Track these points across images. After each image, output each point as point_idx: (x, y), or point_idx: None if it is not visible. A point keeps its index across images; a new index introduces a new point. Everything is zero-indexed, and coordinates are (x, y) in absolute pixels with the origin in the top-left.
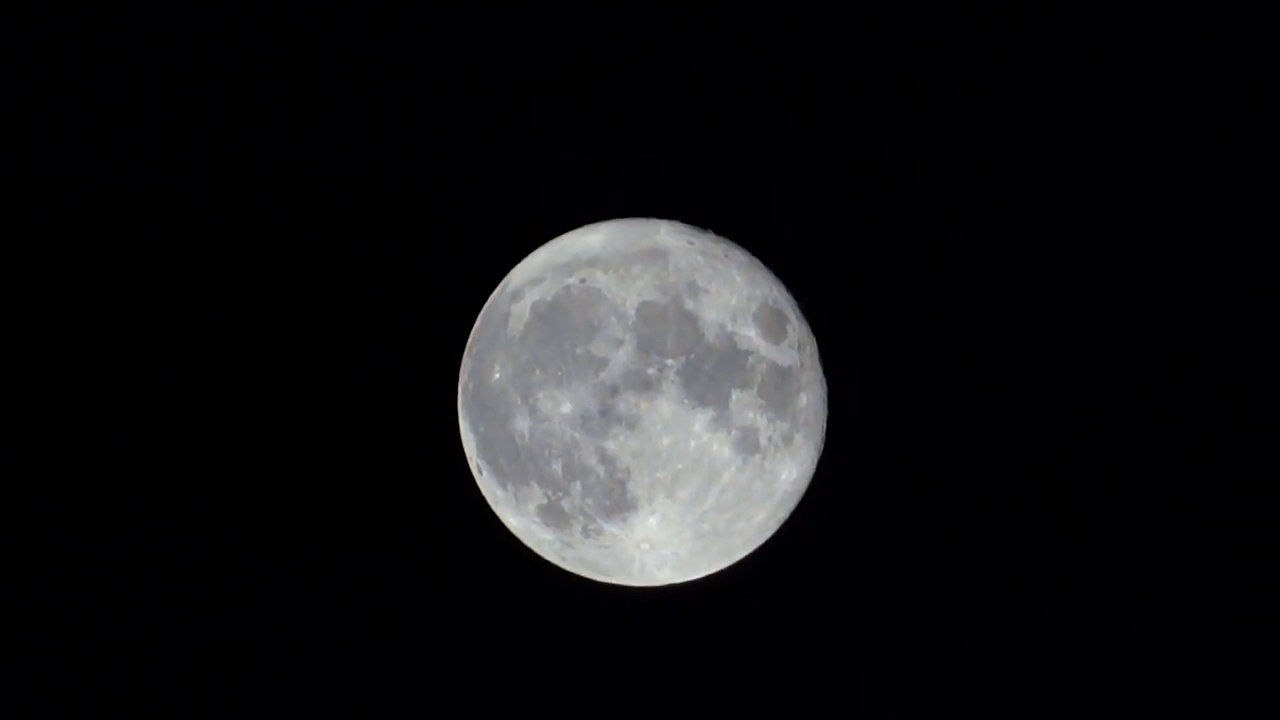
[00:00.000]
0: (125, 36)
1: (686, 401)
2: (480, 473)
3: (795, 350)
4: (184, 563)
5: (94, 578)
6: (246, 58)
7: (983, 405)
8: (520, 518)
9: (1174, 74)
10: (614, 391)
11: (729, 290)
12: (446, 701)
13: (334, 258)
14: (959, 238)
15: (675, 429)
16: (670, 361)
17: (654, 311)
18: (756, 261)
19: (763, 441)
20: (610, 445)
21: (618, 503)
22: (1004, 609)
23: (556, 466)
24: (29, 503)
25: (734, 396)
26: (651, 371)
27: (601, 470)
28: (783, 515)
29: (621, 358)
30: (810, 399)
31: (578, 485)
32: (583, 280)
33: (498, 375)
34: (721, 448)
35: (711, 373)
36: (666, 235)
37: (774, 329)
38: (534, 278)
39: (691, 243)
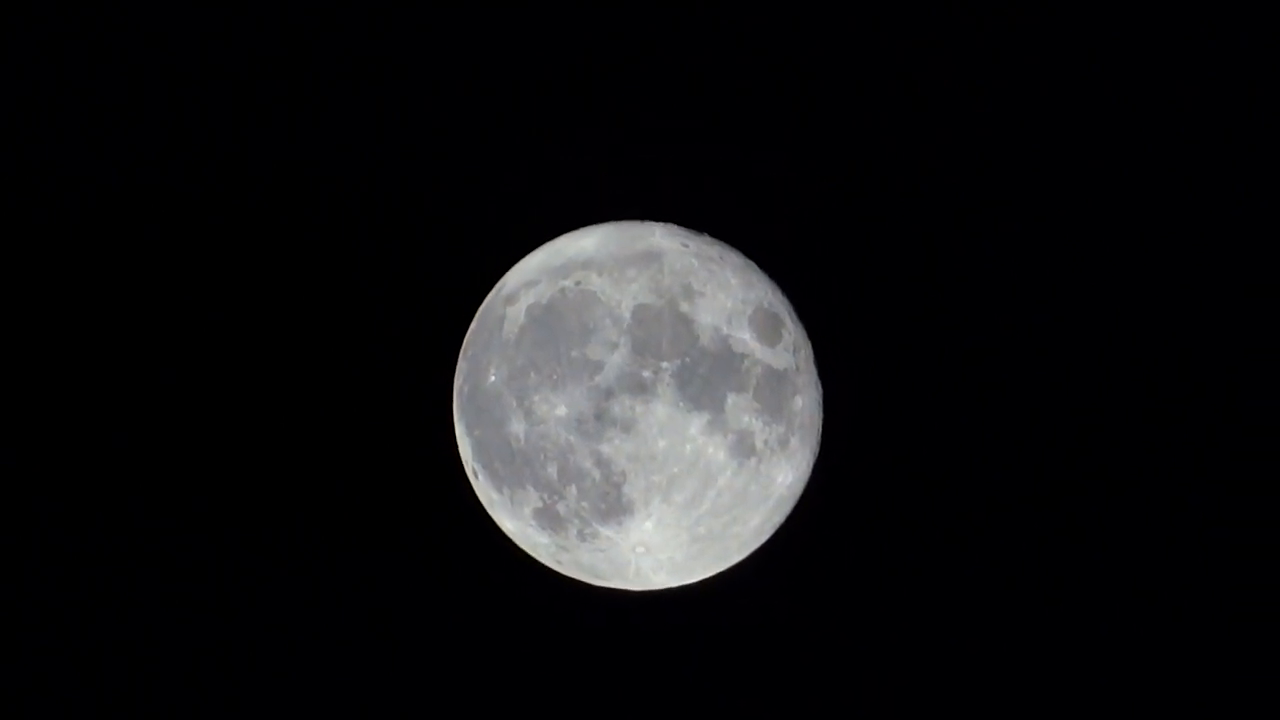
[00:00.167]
0: (125, 36)
1: (682, 405)
2: (476, 476)
3: (790, 353)
4: (184, 563)
5: (94, 578)
6: (246, 58)
7: (979, 408)
8: (516, 521)
9: (1174, 74)
10: (609, 395)
11: (724, 293)
12: (443, 704)
13: (330, 260)
14: (955, 240)
15: (671, 432)
16: (665, 365)
17: (649, 314)
18: (751, 264)
19: (758, 445)
20: (606, 449)
21: (613, 506)
22: (1001, 612)
23: (552, 470)
24: (29, 503)
25: (729, 400)
26: (647, 374)
27: (597, 473)
28: (778, 519)
29: (617, 361)
30: (805, 402)
31: (573, 489)
32: (578, 283)
33: (493, 378)
34: (717, 451)
35: (707, 376)
36: (661, 238)
37: (769, 332)
38: (529, 280)
39: (686, 245)
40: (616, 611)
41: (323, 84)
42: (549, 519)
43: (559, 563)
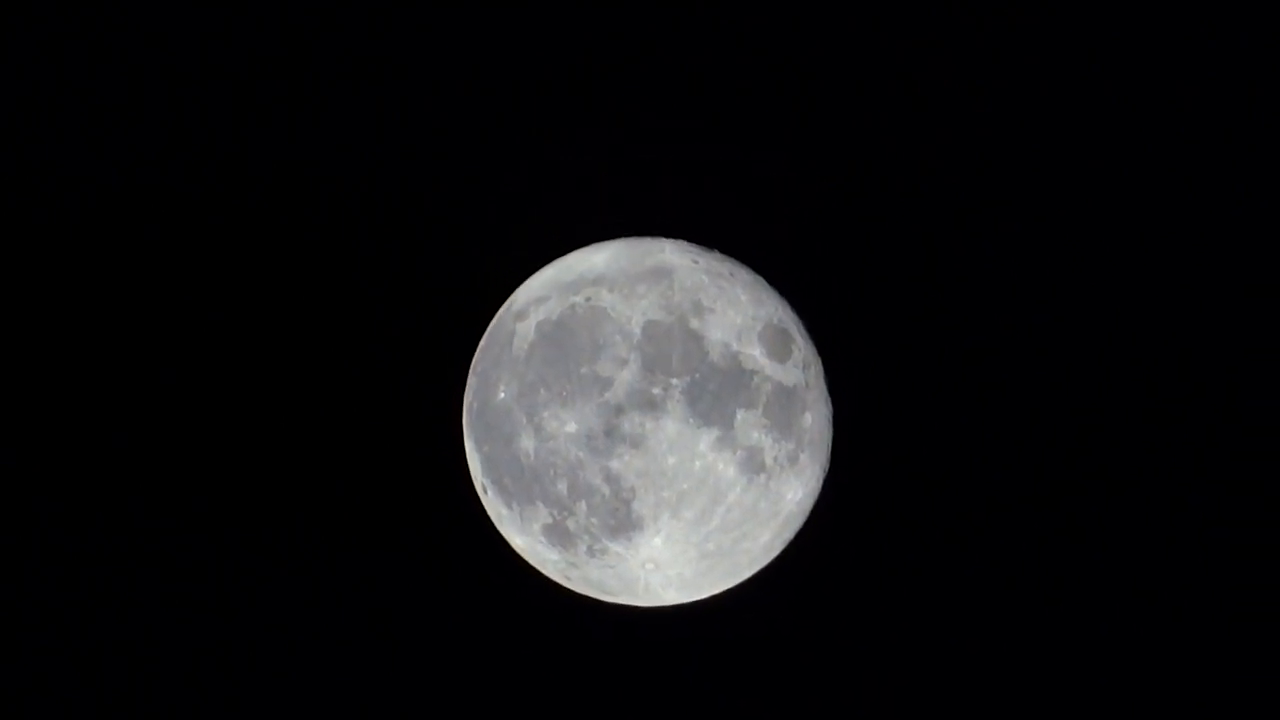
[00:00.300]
0: (125, 36)
1: (692, 421)
2: (485, 492)
3: (800, 370)
4: (185, 569)
5: (94, 578)
6: (246, 61)
7: (989, 425)
8: (525, 537)
9: (1174, 74)
10: (619, 411)
11: (734, 310)
12: (451, 719)
13: (339, 275)
14: (964, 258)
15: (680, 449)
16: (675, 381)
17: (659, 331)
18: (761, 281)
19: (768, 461)
20: (615, 465)
21: (623, 522)
22: (1009, 627)
23: (561, 486)
24: (29, 503)
25: (739, 416)
26: (656, 391)
27: (606, 490)
28: (788, 535)
29: (626, 377)
30: (815, 419)
31: (583, 505)
32: (588, 299)
33: (502, 394)
34: (727, 467)
35: (716, 392)
36: (671, 254)
37: (779, 348)
38: (539, 296)
39: (696, 262)
40: (626, 627)
41: (329, 96)
42: (558, 535)
43: (568, 579)
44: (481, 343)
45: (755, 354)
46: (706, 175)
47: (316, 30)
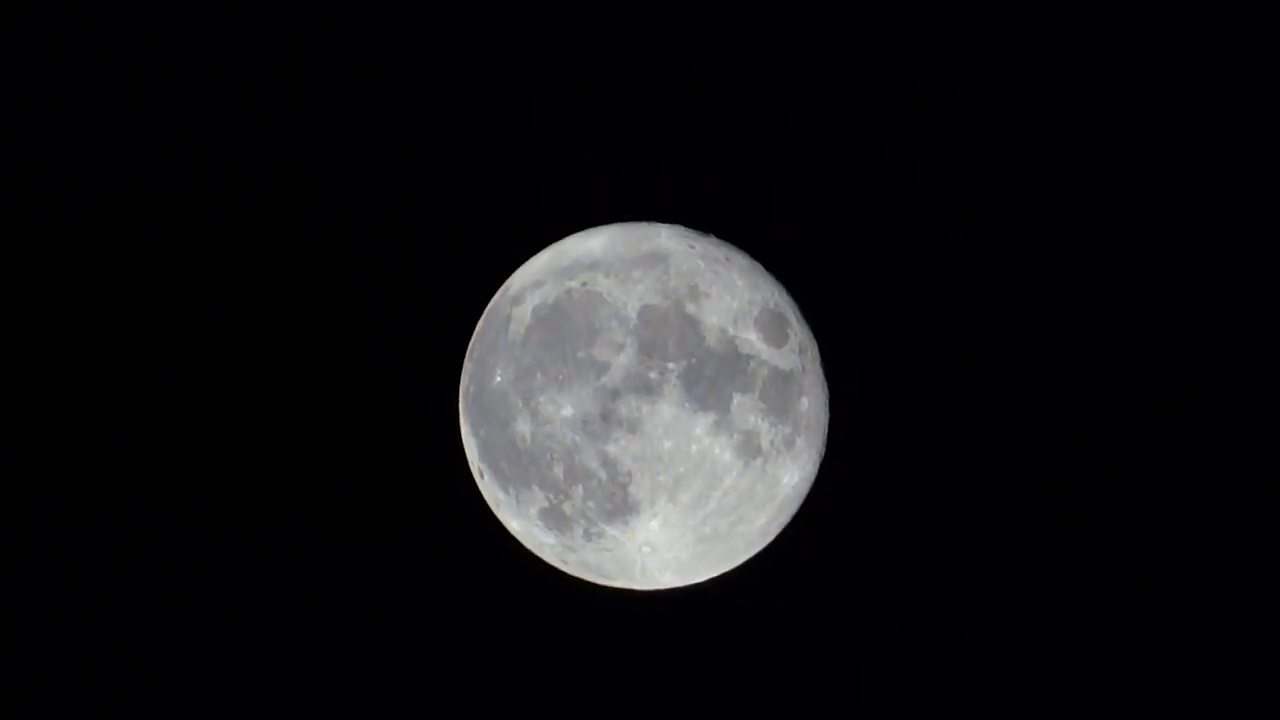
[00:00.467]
0: (125, 36)
1: (688, 405)
2: (481, 476)
3: (796, 354)
4: (184, 563)
5: (94, 578)
6: (246, 58)
7: (985, 408)
8: (522, 521)
9: (1174, 74)
10: (615, 395)
11: (730, 294)
12: (447, 704)
13: (335, 261)
14: (960, 241)
15: (677, 433)
16: (671, 365)
17: (655, 315)
18: (758, 265)
19: (764, 445)
20: (612, 449)
21: (619, 506)
22: (1005, 611)
23: (558, 470)
24: (29, 503)
25: (735, 400)
26: (653, 375)
27: (603, 474)
28: (784, 519)
29: (623, 361)
30: (812, 403)
31: (579, 489)
32: (584, 284)
33: (499, 379)
34: (723, 451)
35: (713, 377)
36: (668, 239)
37: (775, 333)
38: (535, 281)
39: (693, 246)
40: (622, 611)
41: (325, 85)
42: (555, 519)
43: (565, 562)
44: (478, 327)
45: (751, 338)
46: (702, 160)
47: (315, 19)
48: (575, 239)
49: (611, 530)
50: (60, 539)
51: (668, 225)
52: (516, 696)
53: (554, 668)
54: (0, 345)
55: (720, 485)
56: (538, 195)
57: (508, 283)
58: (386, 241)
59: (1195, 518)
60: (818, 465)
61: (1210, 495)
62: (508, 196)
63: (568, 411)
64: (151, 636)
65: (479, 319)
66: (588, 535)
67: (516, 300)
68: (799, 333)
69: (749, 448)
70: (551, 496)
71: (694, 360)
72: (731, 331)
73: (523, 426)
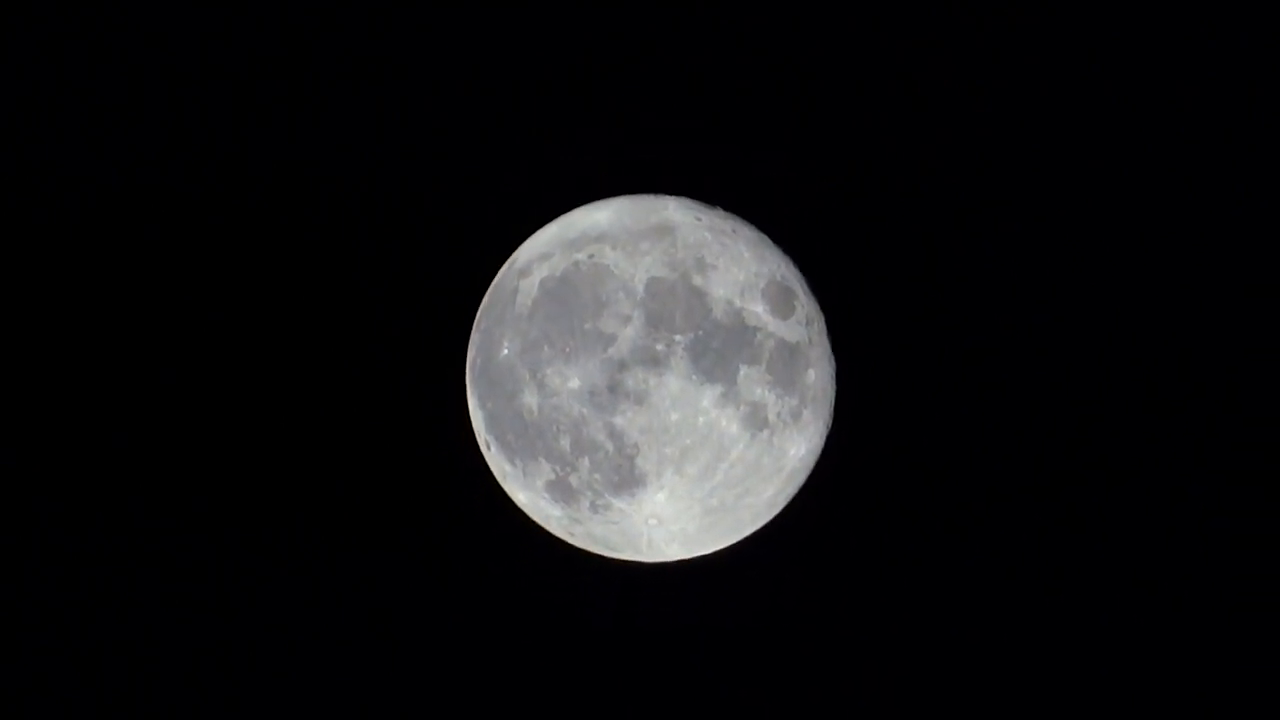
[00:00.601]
0: (125, 36)
1: (695, 377)
2: (488, 448)
3: (803, 326)
4: (194, 538)
5: (94, 576)
6: (246, 57)
7: (991, 381)
8: (528, 493)
9: (1175, 74)
10: (622, 367)
11: (737, 266)
12: (454, 675)
13: (343, 234)
14: (967, 214)
15: (684, 405)
16: (678, 337)
17: (662, 287)
18: (764, 238)
19: (771, 417)
20: (619, 421)
21: (626, 478)
22: (1009, 584)
23: (565, 442)
24: (29, 503)
25: (742, 372)
26: (660, 347)
27: (610, 446)
28: (791, 490)
29: (630, 333)
30: (818, 375)
31: (586, 461)
32: (591, 256)
33: (506, 351)
34: (730, 423)
35: (720, 349)
36: (675, 211)
37: (782, 305)
38: (542, 254)
39: (699, 219)
40: (629, 583)
41: (341, 57)
42: (562, 491)
43: (571, 535)
44: (485, 300)
45: (758, 310)
46: (710, 133)
47: (316, 7)
48: (582, 211)
49: (618, 502)
50: (60, 539)
51: (675, 197)
52: (523, 668)
53: (560, 639)
54: (0, 345)
55: (727, 457)
56: (545, 168)
57: (515, 255)
58: (394, 215)
59: (1196, 517)
60: (824, 437)
61: (1210, 495)
62: (515, 169)
63: (575, 383)
64: (152, 636)
65: (486, 291)
66: (594, 507)
67: (524, 272)
68: (806, 305)
69: (756, 420)
70: (558, 468)
71: (701, 332)
72: (738, 303)
73: (530, 398)
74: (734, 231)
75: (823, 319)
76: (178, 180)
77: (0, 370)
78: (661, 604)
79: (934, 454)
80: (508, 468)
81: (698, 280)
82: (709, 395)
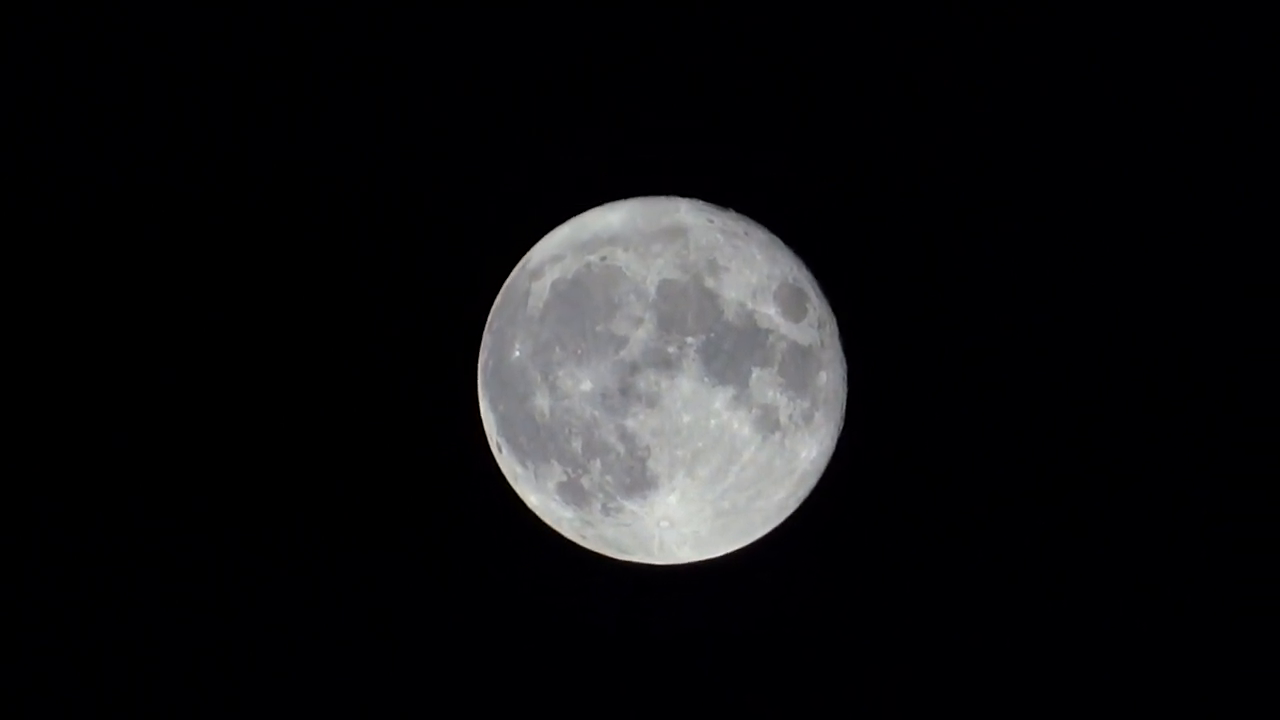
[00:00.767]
0: (125, 36)
1: (707, 379)
2: (500, 450)
3: (815, 329)
4: (196, 547)
5: (94, 576)
6: (248, 56)
7: (1003, 383)
8: (540, 495)
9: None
10: (634, 369)
11: (749, 268)
12: (466, 677)
13: (355, 236)
14: (978, 217)
15: (695, 407)
16: (690, 339)
17: (674, 289)
18: (776, 240)
19: (783, 420)
20: (630, 423)
21: (638, 481)
22: (1021, 587)
23: (576, 444)
24: (29, 503)
25: (754, 375)
26: (672, 349)
27: (621, 448)
28: (803, 493)
29: (641, 336)
30: (830, 377)
31: (598, 463)
32: (603, 258)
33: (517, 353)
34: (742, 426)
35: (732, 351)
36: (687, 213)
37: (794, 307)
38: (554, 255)
39: (712, 221)
40: (640, 586)
41: (358, 54)
42: (573, 493)
43: (583, 537)
44: (497, 301)
45: (770, 313)
46: (722, 134)
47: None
48: (594, 213)
49: (630, 505)
50: (61, 539)
51: (687, 199)
52: (533, 670)
53: (572, 642)
54: (0, 345)
55: (739, 460)
56: (557, 169)
57: (527, 257)
58: (406, 217)
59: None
60: (836, 440)
61: (1213, 497)
62: (527, 171)
63: (586, 386)
64: (153, 636)
65: (498, 293)
66: (606, 510)
67: (535, 274)
68: (818, 307)
69: (767, 422)
70: (570, 471)
71: (713, 334)
72: (750, 306)
73: (541, 401)
74: (746, 234)
75: (835, 321)
76: (185, 180)
77: (0, 370)
78: (673, 606)
79: (946, 456)
80: (519, 470)
81: (710, 282)
82: (721, 397)
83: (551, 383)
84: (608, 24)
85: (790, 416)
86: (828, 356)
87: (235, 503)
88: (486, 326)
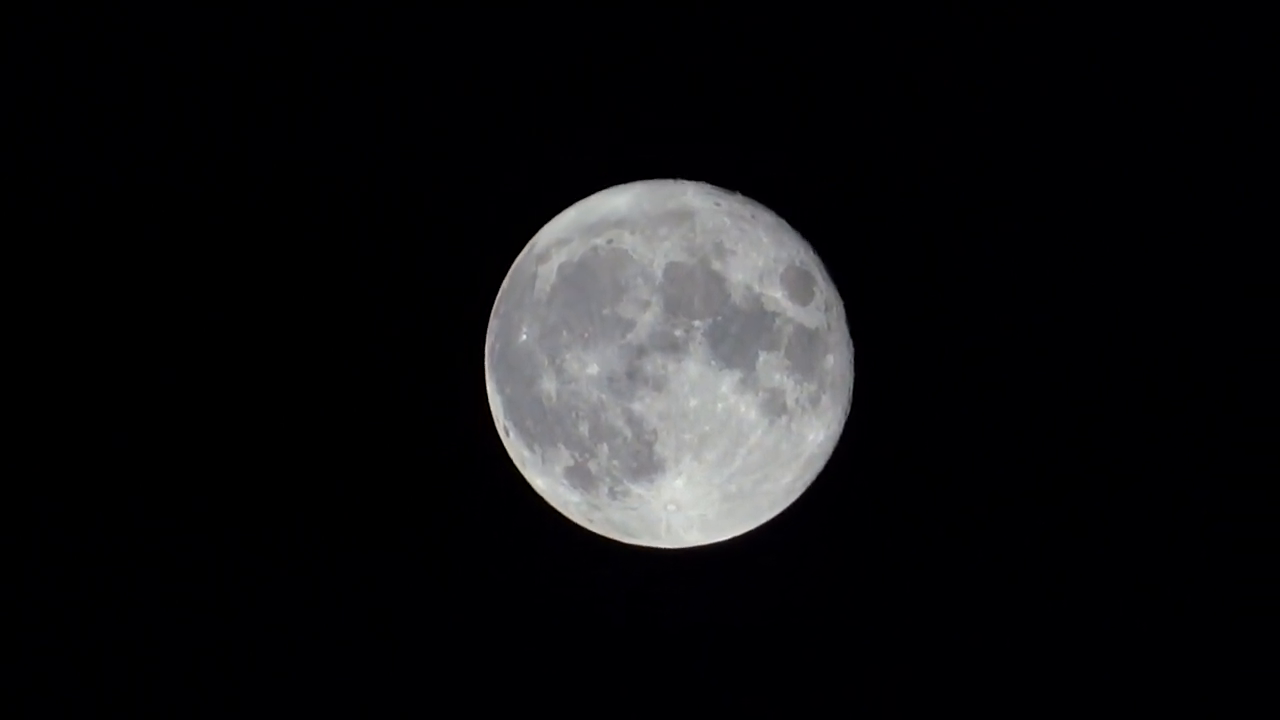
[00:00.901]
0: (125, 36)
1: (714, 363)
2: (507, 434)
3: (822, 312)
4: (209, 523)
5: (94, 576)
6: (249, 56)
7: (1011, 366)
8: (547, 479)
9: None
10: (641, 353)
11: (756, 252)
12: (473, 661)
13: (361, 220)
14: (985, 199)
15: (702, 390)
16: (697, 323)
17: (681, 273)
18: (783, 223)
19: (790, 403)
20: (637, 407)
21: (645, 464)
22: (1029, 570)
23: (583, 428)
24: (29, 503)
25: (761, 358)
26: (679, 333)
27: (629, 432)
28: (809, 477)
29: (648, 319)
30: (837, 360)
31: (605, 447)
32: (610, 241)
33: (524, 336)
34: (749, 409)
35: (738, 334)
36: (694, 197)
37: (801, 290)
38: (561, 239)
39: (718, 204)
40: (647, 569)
41: (363, 42)
42: (580, 477)
43: (590, 520)
44: (503, 285)
45: (777, 296)
46: (729, 118)
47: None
48: (601, 196)
49: (637, 488)
50: (61, 538)
51: (694, 183)
52: (541, 654)
53: (579, 625)
54: (0, 345)
55: (745, 443)
56: (564, 153)
57: (533, 240)
58: (413, 201)
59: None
60: (843, 423)
61: (1213, 497)
62: (534, 154)
63: (593, 369)
64: (154, 631)
65: (504, 277)
66: (613, 493)
67: (542, 258)
68: (824, 290)
69: (774, 405)
70: (577, 454)
71: (720, 318)
72: (757, 289)
73: (548, 384)
74: (753, 217)
75: (841, 304)
76: (191, 174)
77: (0, 370)
78: (680, 590)
79: (952, 439)
80: (526, 454)
81: (716, 265)
82: (728, 381)
83: (558, 366)
84: (615, 7)
85: (797, 400)
86: (834, 339)
87: (241, 487)
88: (493, 310)
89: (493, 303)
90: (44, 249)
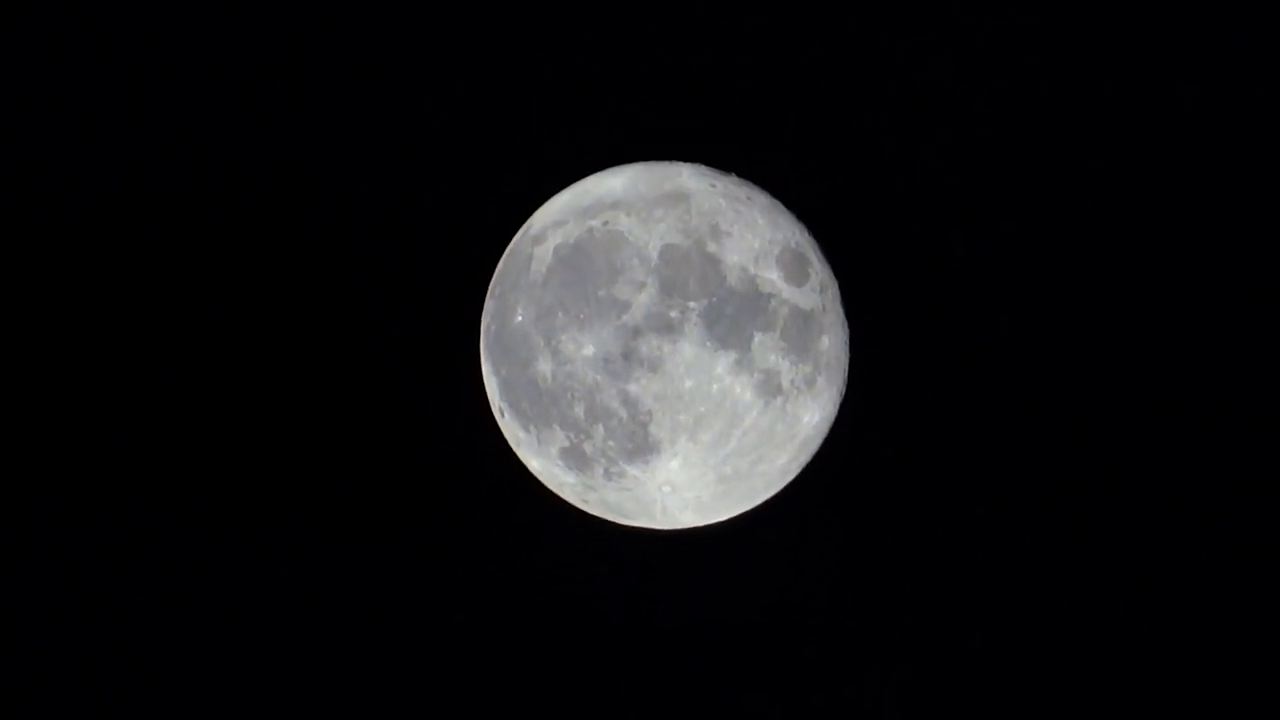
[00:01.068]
0: (125, 36)
1: (709, 344)
2: (502, 415)
3: (817, 293)
4: (206, 508)
5: (94, 576)
6: (242, 42)
7: (1007, 348)
8: (542, 460)
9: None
10: (636, 334)
11: (751, 233)
12: (468, 643)
13: (357, 202)
14: (981, 182)
15: (697, 372)
16: (692, 304)
17: (676, 254)
18: (779, 204)
19: (785, 384)
20: (632, 388)
21: (640, 446)
22: (1026, 555)
23: (579, 409)
24: (29, 503)
25: (756, 339)
26: (674, 314)
27: (624, 413)
28: (805, 458)
29: (644, 300)
30: (832, 342)
31: (600, 428)
32: (605, 223)
33: (520, 318)
34: (744, 390)
35: (734, 315)
36: (689, 178)
37: (796, 272)
38: (556, 220)
39: (714, 185)
40: (643, 551)
41: (351, 30)
42: (576, 458)
43: (585, 502)
44: (499, 267)
45: (773, 277)
46: (724, 99)
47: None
48: (596, 178)
49: (632, 469)
50: (61, 539)
51: (689, 164)
52: (537, 636)
53: (574, 607)
54: (0, 345)
55: (741, 424)
56: (559, 134)
57: (529, 222)
58: (408, 183)
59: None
60: (838, 404)
61: (1213, 497)
62: (529, 136)
63: (589, 350)
64: (154, 630)
65: (500, 258)
66: (608, 474)
67: (538, 239)
68: (820, 271)
69: (770, 387)
70: (572, 436)
71: (715, 299)
72: (753, 270)
73: (544, 365)
74: (748, 198)
75: (837, 286)
76: (181, 161)
77: (0, 370)
78: (675, 571)
79: (948, 420)
80: (521, 435)
81: (712, 247)
82: (723, 362)
83: (554, 348)
84: None
85: (792, 381)
86: (830, 321)
87: (236, 469)
88: (489, 292)
89: (488, 284)
90: (44, 249)
